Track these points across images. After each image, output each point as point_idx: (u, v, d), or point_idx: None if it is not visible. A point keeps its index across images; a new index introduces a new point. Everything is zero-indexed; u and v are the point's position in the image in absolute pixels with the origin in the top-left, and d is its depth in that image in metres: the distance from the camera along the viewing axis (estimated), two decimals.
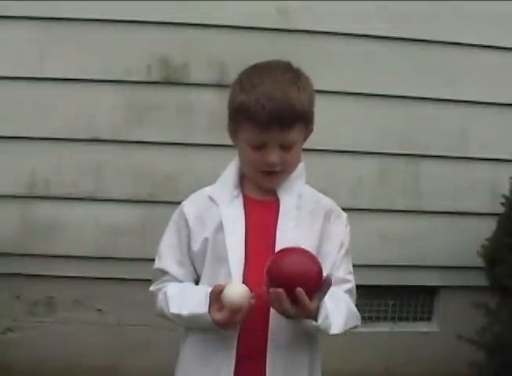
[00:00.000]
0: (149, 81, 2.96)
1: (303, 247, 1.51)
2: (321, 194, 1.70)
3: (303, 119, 1.57)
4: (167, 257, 1.67)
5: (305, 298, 1.43)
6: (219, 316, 1.50)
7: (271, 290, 1.44)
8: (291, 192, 1.64)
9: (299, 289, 1.42)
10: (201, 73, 2.96)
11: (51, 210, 2.99)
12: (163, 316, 1.65)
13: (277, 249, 1.56)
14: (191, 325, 1.61)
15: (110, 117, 2.97)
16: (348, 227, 1.68)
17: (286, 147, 1.56)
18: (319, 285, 1.46)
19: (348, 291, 1.64)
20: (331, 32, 2.99)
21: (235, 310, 1.48)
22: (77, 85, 2.93)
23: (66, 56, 2.91)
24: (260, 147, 1.56)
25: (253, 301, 1.48)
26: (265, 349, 1.56)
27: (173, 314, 1.60)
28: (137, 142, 2.98)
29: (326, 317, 1.50)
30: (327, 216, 1.64)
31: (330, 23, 2.98)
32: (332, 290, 1.51)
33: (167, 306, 1.62)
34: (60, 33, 2.91)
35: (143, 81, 2.96)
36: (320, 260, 1.52)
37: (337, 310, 1.55)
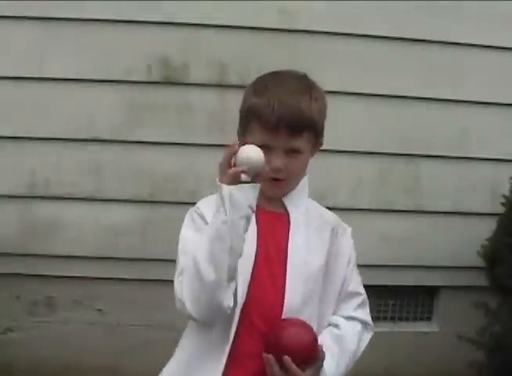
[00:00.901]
0: (149, 81, 2.96)
1: (301, 318, 1.53)
2: (322, 207, 1.71)
3: (311, 128, 1.57)
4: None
5: (292, 366, 1.46)
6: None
7: (263, 355, 1.48)
8: (297, 205, 1.64)
9: (285, 357, 1.45)
10: (201, 73, 2.95)
11: (51, 210, 2.99)
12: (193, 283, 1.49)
13: (289, 260, 1.56)
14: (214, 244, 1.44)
15: (110, 117, 2.97)
16: (352, 240, 1.69)
17: (291, 154, 1.56)
18: (313, 357, 1.51)
19: (360, 305, 1.68)
20: (331, 32, 2.99)
21: (250, 163, 1.41)
22: (77, 85, 2.93)
23: (66, 56, 2.91)
24: (266, 150, 1.52)
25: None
26: None
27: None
28: (137, 142, 2.98)
29: None
30: (334, 232, 1.65)
31: (330, 23, 2.98)
32: (341, 329, 1.60)
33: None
34: (60, 33, 2.91)
35: (143, 81, 2.96)
36: (330, 277, 1.60)
37: (340, 360, 1.59)
